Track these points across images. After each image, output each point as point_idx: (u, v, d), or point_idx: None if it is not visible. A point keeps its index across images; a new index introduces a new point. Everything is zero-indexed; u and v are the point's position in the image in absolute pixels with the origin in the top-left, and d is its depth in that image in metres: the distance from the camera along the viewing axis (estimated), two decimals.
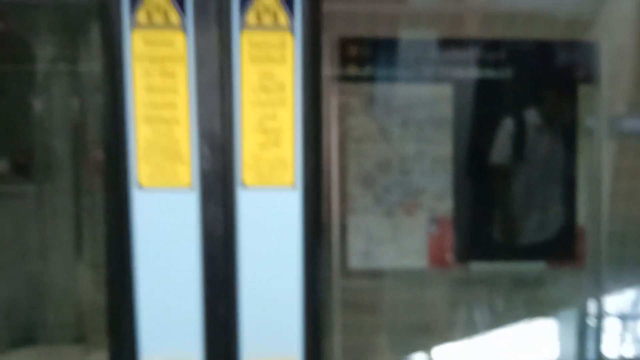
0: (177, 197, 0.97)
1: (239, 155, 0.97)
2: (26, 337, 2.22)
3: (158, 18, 0.92)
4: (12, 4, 2.07)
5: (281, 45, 0.95)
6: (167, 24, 0.93)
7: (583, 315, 2.39)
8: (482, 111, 2.23)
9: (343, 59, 2.16)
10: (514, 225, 2.31)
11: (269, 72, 0.96)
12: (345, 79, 2.18)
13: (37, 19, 2.11)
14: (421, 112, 2.21)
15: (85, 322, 2.21)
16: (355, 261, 2.25)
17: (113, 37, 0.92)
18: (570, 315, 2.43)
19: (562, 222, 2.29)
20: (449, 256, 2.27)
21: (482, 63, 2.19)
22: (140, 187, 0.97)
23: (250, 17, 0.94)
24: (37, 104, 2.20)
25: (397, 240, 2.26)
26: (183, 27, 0.93)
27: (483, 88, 2.20)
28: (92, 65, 2.10)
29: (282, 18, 0.94)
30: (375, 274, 2.28)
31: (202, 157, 0.97)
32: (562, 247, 2.29)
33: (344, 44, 2.16)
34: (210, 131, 0.97)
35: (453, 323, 2.38)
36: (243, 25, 0.94)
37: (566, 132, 2.28)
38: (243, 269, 0.99)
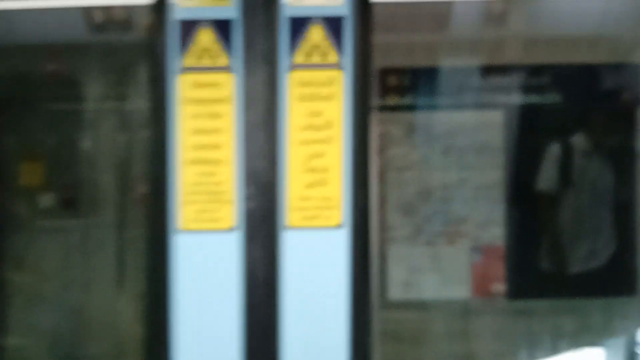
0: (219, 239, 0.95)
1: (284, 195, 0.95)
2: None
3: (206, 61, 0.92)
4: (64, 45, 2.12)
5: (330, 82, 0.93)
6: (216, 66, 0.93)
7: (632, 343, 2.28)
8: (536, 137, 2.16)
9: (383, 88, 2.15)
10: (573, 257, 2.22)
11: (317, 110, 0.94)
12: (385, 108, 2.16)
13: (87, 60, 2.17)
14: (464, 139, 2.16)
15: (127, 354, 2.21)
16: (396, 292, 2.20)
17: (160, 81, 0.92)
18: (619, 343, 2.32)
19: (622, 252, 2.19)
20: (499, 289, 2.19)
21: (533, 89, 2.14)
22: (182, 230, 0.95)
23: (299, 57, 0.93)
24: (85, 141, 2.25)
25: (438, 270, 2.20)
26: (232, 69, 0.93)
27: (536, 113, 2.14)
28: (137, 103, 2.14)
29: (332, 56, 0.93)
30: (416, 305, 2.22)
31: (247, 197, 0.95)
32: (623, 280, 2.19)
33: (384, 74, 2.14)
34: (255, 171, 0.95)
35: (497, 354, 2.30)
36: (291, 64, 0.93)
37: (624, 156, 2.19)
38: (286, 316, 0.95)
